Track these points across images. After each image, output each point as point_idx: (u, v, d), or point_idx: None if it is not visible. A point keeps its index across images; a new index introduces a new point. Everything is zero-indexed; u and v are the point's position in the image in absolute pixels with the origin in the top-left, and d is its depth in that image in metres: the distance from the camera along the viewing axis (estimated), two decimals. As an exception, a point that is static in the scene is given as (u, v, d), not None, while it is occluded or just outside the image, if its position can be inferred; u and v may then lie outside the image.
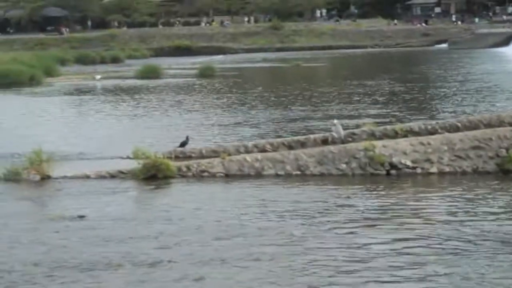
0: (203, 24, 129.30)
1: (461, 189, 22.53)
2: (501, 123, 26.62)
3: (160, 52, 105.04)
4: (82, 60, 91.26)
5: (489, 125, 26.64)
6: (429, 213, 19.86)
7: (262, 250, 16.74)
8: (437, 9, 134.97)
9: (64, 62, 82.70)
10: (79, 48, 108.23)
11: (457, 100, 45.59)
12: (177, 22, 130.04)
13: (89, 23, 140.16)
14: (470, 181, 23.79)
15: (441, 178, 24.38)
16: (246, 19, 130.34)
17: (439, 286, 14.34)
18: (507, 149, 24.54)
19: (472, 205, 20.71)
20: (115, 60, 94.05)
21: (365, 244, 17.10)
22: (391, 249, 16.63)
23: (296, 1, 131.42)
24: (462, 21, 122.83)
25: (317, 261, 15.84)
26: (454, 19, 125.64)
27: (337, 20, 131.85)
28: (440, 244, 16.86)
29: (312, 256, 16.14)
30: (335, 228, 18.53)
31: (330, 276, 15.11)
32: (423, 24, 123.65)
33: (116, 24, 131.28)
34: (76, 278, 14.83)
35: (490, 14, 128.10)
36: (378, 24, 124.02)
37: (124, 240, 17.69)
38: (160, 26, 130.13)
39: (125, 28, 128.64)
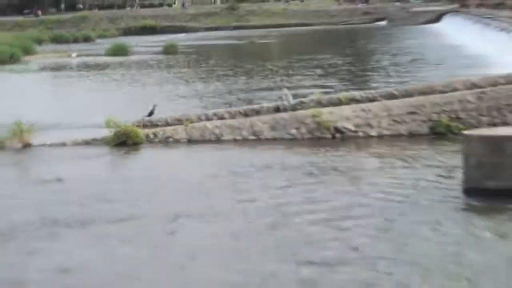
0: (165, 6, 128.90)
1: (397, 149, 23.48)
2: (433, 91, 27.16)
3: (128, 32, 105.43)
4: (57, 40, 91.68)
5: (422, 93, 27.10)
6: (364, 169, 21.13)
7: (221, 205, 17.55)
8: None
9: (41, 42, 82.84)
10: (54, 29, 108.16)
11: (394, 71, 46.54)
12: (136, 5, 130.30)
13: (63, 6, 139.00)
14: (406, 142, 24.57)
15: (380, 140, 24.90)
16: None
17: (362, 230, 15.49)
18: (438, 114, 25.08)
19: (406, 162, 21.75)
20: (87, 40, 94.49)
21: (306, 196, 18.29)
22: (319, 200, 17.94)
23: None
24: (398, 1, 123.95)
25: (262, 207, 17.19)
26: None
27: (287, 1, 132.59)
28: (366, 197, 17.96)
29: (260, 202, 17.64)
30: (285, 181, 19.81)
31: (273, 222, 16.22)
32: (364, 4, 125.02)
33: (81, 6, 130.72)
34: (53, 234, 15.39)
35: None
36: (325, 4, 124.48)
37: (98, 199, 18.04)
38: (128, 8, 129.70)
39: (96, 10, 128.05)
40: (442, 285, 12.49)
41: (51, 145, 24.61)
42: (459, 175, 18.58)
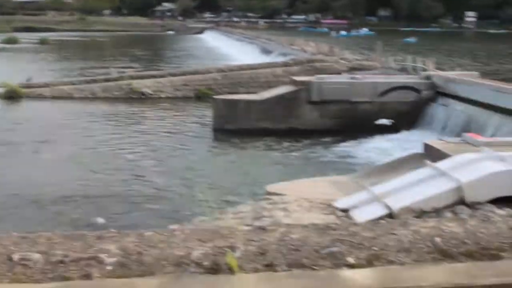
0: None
1: (176, 105, 25.16)
2: (197, 72, 29.62)
3: (18, 30, 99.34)
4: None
5: (191, 73, 29.53)
6: (154, 115, 22.72)
7: (69, 136, 18.93)
8: (168, 13, 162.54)
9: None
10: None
11: (175, 60, 51.57)
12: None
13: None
14: (181, 102, 26.23)
15: (167, 100, 26.65)
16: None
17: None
18: (200, 86, 27.58)
19: (179, 112, 23.59)
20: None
21: (114, 130, 20.20)
22: (120, 132, 19.93)
23: (95, 4, 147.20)
24: (184, 20, 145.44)
25: (90, 135, 18.93)
26: (180, 18, 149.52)
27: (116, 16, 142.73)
28: (150, 131, 20.16)
29: (89, 132, 19.37)
30: (105, 121, 21.35)
31: (95, 144, 18.19)
32: (162, 20, 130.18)
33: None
34: None
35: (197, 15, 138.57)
36: (138, 20, 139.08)
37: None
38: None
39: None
40: (185, 179, 14.00)
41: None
42: (210, 121, 20.91)
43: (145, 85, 26.66)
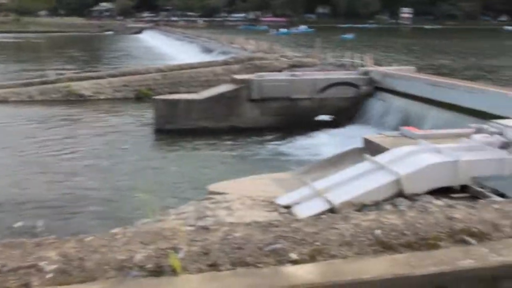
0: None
1: (116, 107, 24.84)
2: (137, 72, 29.36)
3: None
4: None
5: (131, 73, 29.20)
6: (92, 118, 22.43)
7: (5, 137, 19.19)
8: (106, 13, 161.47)
9: None
10: None
11: (114, 60, 50.66)
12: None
13: None
14: (121, 103, 25.93)
15: (106, 101, 26.29)
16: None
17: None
18: (140, 86, 27.31)
19: (120, 114, 23.30)
20: None
21: (54, 132, 19.96)
22: (62, 133, 19.81)
23: (30, 5, 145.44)
24: (122, 19, 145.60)
25: (26, 139, 18.82)
26: (118, 18, 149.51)
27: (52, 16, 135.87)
28: (93, 133, 20.13)
29: (42, 134, 19.20)
30: (43, 123, 20.99)
31: (32, 144, 18.05)
32: (99, 20, 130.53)
33: None
34: None
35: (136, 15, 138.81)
36: (75, 20, 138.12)
37: None
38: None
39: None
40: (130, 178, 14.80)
41: None
42: (151, 121, 20.85)
43: (84, 87, 26.34)
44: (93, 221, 11.05)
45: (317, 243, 3.54)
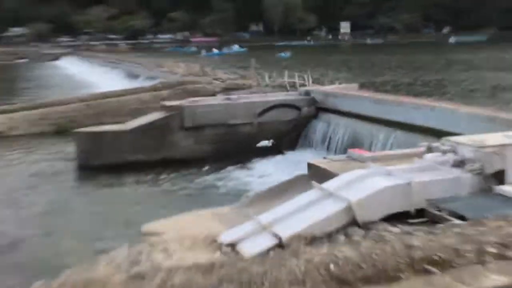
0: None
1: (30, 143, 23.94)
2: (57, 103, 28.55)
3: None
4: None
5: (49, 105, 28.25)
6: (11, 157, 21.76)
7: None
8: (20, 39, 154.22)
9: None
10: None
11: (30, 92, 48.50)
12: None
13: None
14: (39, 138, 25.05)
15: (22, 137, 25.20)
16: None
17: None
18: (61, 119, 26.60)
19: (39, 151, 22.65)
20: None
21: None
22: None
23: None
24: (37, 45, 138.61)
25: None
26: (32, 44, 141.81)
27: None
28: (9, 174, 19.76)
29: None
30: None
31: None
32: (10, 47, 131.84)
33: None
34: None
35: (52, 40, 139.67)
36: None
37: None
38: None
39: None
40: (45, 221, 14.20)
41: None
42: (73, 158, 20.29)
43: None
44: (11, 273, 10.45)
45: (266, 284, 3.52)
